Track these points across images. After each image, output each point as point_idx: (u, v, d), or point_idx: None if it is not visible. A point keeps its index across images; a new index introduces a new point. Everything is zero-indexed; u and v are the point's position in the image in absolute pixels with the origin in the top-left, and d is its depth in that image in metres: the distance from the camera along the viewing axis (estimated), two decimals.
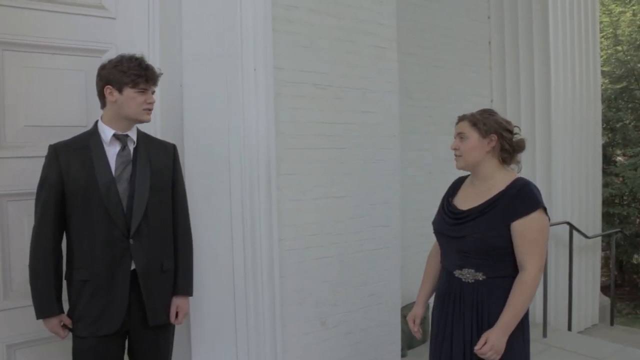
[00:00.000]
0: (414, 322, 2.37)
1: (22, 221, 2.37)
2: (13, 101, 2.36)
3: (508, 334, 2.03)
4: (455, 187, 2.34)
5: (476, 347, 2.04)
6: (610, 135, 8.41)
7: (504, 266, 2.09)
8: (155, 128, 2.63)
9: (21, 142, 2.38)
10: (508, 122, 2.20)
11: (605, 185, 7.56)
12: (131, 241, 2.15)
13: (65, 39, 2.46)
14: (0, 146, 2.33)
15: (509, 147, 2.17)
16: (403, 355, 3.72)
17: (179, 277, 2.34)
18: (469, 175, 2.34)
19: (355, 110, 3.13)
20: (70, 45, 2.47)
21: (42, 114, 2.42)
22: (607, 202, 7.68)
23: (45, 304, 2.11)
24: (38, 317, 2.12)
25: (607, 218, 7.60)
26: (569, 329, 4.78)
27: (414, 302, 2.47)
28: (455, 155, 2.22)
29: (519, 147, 2.19)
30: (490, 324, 2.07)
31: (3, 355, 2.34)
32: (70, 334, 2.19)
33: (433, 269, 2.40)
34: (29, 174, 2.32)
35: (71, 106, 2.48)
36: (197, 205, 2.55)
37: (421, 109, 4.47)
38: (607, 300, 5.63)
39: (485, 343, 2.02)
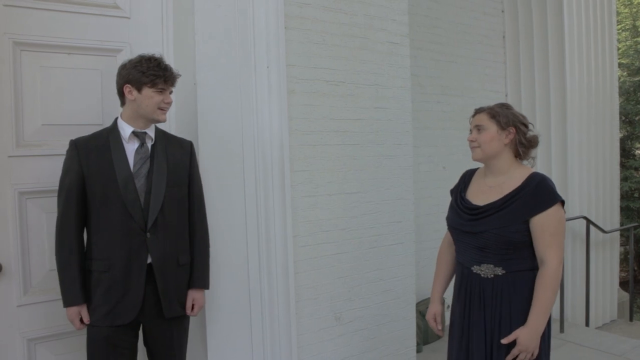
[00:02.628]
0: (435, 321, 2.37)
1: (41, 218, 2.41)
2: (30, 100, 2.40)
3: (540, 333, 2.03)
4: (465, 180, 2.34)
5: (504, 340, 2.05)
6: (629, 128, 8.31)
7: (522, 260, 2.09)
8: (169, 126, 2.66)
9: (39, 140, 2.42)
10: (524, 117, 2.21)
11: (625, 179, 7.47)
12: (148, 235, 2.20)
13: (80, 38, 2.49)
14: (18, 144, 2.38)
15: (525, 142, 2.17)
16: (418, 351, 3.73)
17: (195, 270, 2.39)
18: (477, 168, 2.34)
19: (368, 106, 3.14)
20: (85, 44, 2.51)
21: (59, 112, 2.46)
22: (626, 197, 7.59)
23: (69, 293, 2.17)
24: (64, 306, 2.19)
25: (627, 212, 7.52)
26: (587, 324, 4.74)
27: (429, 298, 2.47)
28: (472, 147, 2.21)
29: (534, 142, 2.19)
30: (511, 318, 2.07)
31: (24, 349, 2.39)
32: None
33: (445, 265, 2.40)
34: (48, 172, 2.38)
35: (87, 105, 2.51)
36: (211, 202, 2.57)
37: (435, 104, 4.47)
38: (626, 296, 5.57)
39: (515, 343, 2.03)
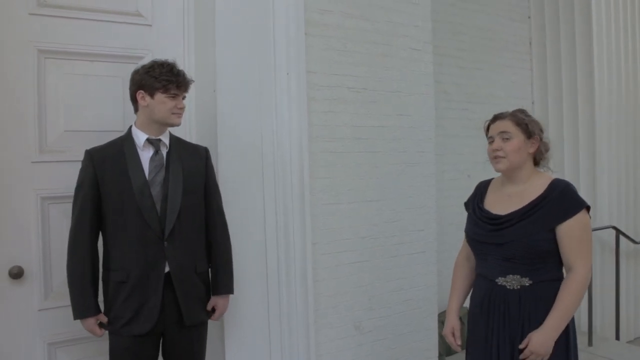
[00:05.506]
0: (453, 335, 2.28)
1: (63, 223, 2.43)
2: (54, 107, 2.44)
3: (555, 336, 1.97)
4: (482, 191, 2.28)
5: (521, 346, 2.00)
6: None
7: (548, 270, 2.04)
8: (190, 133, 2.68)
9: (62, 146, 2.45)
10: (541, 123, 2.16)
11: None
12: (165, 243, 2.20)
13: (103, 46, 2.53)
14: (41, 150, 2.41)
15: (543, 150, 2.13)
16: None
17: (219, 277, 2.39)
18: (492, 179, 2.28)
19: (390, 113, 3.11)
20: (108, 52, 2.54)
21: (81, 119, 2.49)
22: None
23: (82, 305, 2.17)
24: (75, 318, 2.19)
25: None
26: (617, 338, 4.60)
27: None
28: (497, 157, 2.11)
29: (548, 149, 2.15)
30: (535, 328, 2.01)
31: (44, 353, 2.42)
32: (107, 333, 2.25)
33: (462, 278, 2.34)
34: (70, 178, 2.38)
35: (109, 112, 2.54)
36: (230, 209, 2.57)
37: (460, 112, 4.40)
38: None
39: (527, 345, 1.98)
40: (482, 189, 2.29)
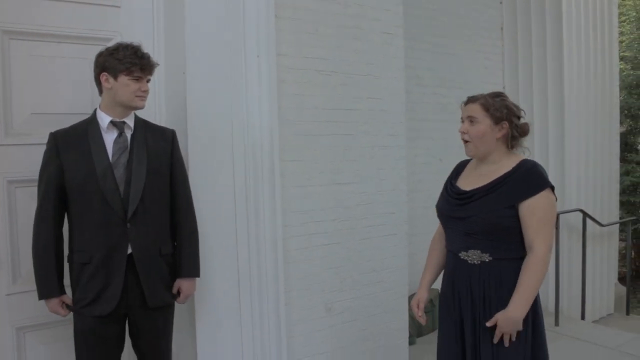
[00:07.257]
0: (418, 307, 2.35)
1: (30, 207, 2.39)
2: (19, 89, 2.40)
3: (519, 317, 2.02)
4: (459, 170, 2.33)
5: (488, 323, 2.05)
6: (632, 122, 8.25)
7: (510, 247, 2.08)
8: (160, 116, 2.67)
9: (28, 129, 2.43)
10: (517, 108, 2.18)
11: (626, 173, 7.43)
12: (128, 225, 2.20)
13: (70, 27, 2.50)
14: (7, 133, 2.38)
15: (516, 134, 2.16)
16: (411, 343, 3.71)
17: (184, 259, 2.39)
18: (471, 158, 2.33)
19: (360, 96, 3.12)
20: (75, 33, 2.51)
21: (48, 101, 2.46)
22: (628, 191, 7.55)
23: (46, 286, 2.18)
24: (40, 298, 2.20)
25: (628, 207, 7.48)
26: (583, 318, 4.73)
27: None
28: (464, 140, 2.18)
29: (525, 131, 2.18)
30: (498, 305, 2.06)
31: (13, 337, 2.41)
32: (71, 314, 2.25)
33: (437, 254, 2.39)
34: (37, 161, 2.35)
35: (77, 94, 2.51)
36: (201, 191, 2.57)
37: (432, 96, 4.45)
38: (624, 290, 5.54)
39: (496, 327, 2.04)
40: (460, 168, 2.34)
